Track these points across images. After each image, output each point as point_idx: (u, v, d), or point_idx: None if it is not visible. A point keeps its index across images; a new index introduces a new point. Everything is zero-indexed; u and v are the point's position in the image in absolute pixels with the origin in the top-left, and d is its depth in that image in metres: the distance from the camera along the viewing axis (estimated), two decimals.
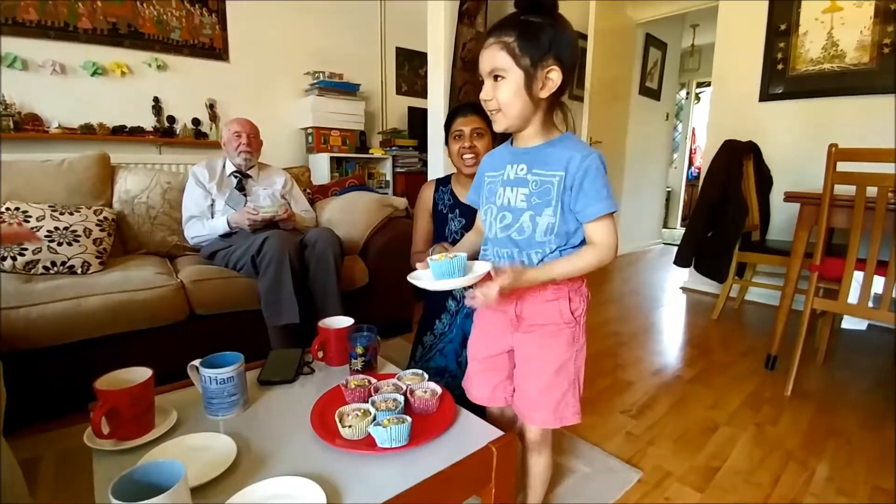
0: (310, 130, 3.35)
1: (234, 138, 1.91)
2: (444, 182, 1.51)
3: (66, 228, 1.70)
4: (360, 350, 1.00)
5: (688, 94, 6.34)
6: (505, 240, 0.86)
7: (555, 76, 0.77)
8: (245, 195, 1.91)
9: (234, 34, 3.11)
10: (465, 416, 0.88)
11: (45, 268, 1.62)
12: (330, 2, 3.52)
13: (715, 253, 2.53)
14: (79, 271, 1.64)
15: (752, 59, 2.84)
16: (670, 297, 3.15)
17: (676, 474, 1.29)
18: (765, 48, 2.78)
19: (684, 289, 3.31)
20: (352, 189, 2.41)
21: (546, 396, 0.89)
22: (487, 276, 0.79)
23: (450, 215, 1.45)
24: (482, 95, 0.81)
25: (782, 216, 2.77)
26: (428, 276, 0.81)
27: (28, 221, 1.66)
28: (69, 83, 2.61)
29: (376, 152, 3.63)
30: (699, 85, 6.24)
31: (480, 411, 0.94)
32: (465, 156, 1.36)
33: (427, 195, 1.52)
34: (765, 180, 2.76)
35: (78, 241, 1.69)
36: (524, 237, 0.83)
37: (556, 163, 0.81)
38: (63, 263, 1.64)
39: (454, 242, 1.35)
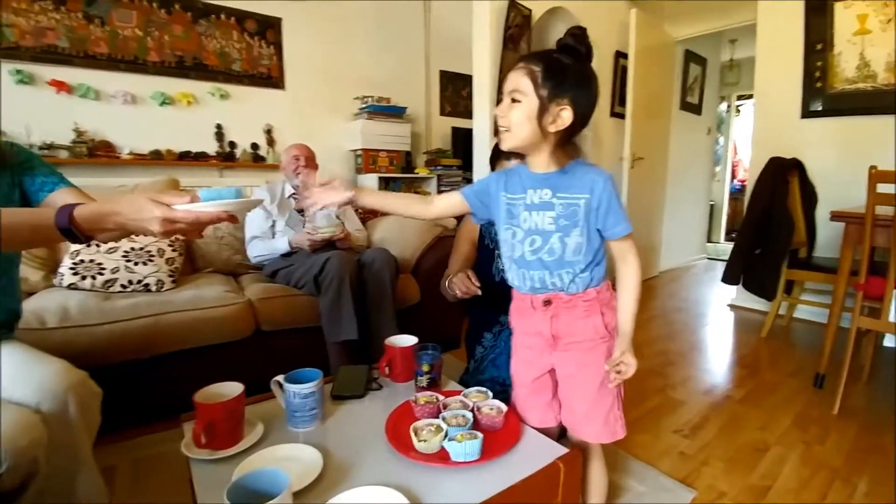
0: (359, 152, 3.50)
1: (293, 162, 2.03)
2: None
3: (141, 249, 1.84)
4: (425, 368, 1.05)
5: (728, 107, 6.22)
6: (535, 262, 0.89)
7: (566, 115, 0.82)
8: (303, 216, 2.02)
9: (289, 64, 3.31)
10: (530, 432, 0.92)
11: (122, 286, 1.75)
12: (377, 30, 3.69)
13: (762, 270, 2.50)
14: (153, 289, 1.77)
15: (793, 76, 2.83)
16: (717, 315, 3.07)
17: (730, 494, 1.29)
18: (804, 66, 2.79)
19: (732, 306, 3.21)
20: None
21: (593, 412, 0.92)
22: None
23: (496, 252, 1.36)
24: (497, 111, 0.87)
25: (828, 233, 2.71)
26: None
27: (107, 243, 1.82)
28: (139, 112, 2.84)
29: (422, 172, 3.74)
30: (739, 98, 6.11)
31: None
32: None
33: (472, 223, 1.41)
34: (810, 197, 2.71)
35: (152, 261, 1.83)
36: (554, 258, 0.87)
37: (581, 186, 0.86)
38: (139, 282, 1.77)
39: (502, 283, 1.17)
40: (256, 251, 1.97)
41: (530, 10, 2.91)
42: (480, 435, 0.82)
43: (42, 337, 1.39)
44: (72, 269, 1.73)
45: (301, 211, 2.05)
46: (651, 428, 1.62)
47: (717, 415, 1.73)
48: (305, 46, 3.36)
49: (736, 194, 6.21)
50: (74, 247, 1.76)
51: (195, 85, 2.97)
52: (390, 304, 1.69)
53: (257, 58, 3.18)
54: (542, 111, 0.81)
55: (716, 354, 2.42)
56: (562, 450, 0.86)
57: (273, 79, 3.25)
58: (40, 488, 0.92)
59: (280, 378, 0.96)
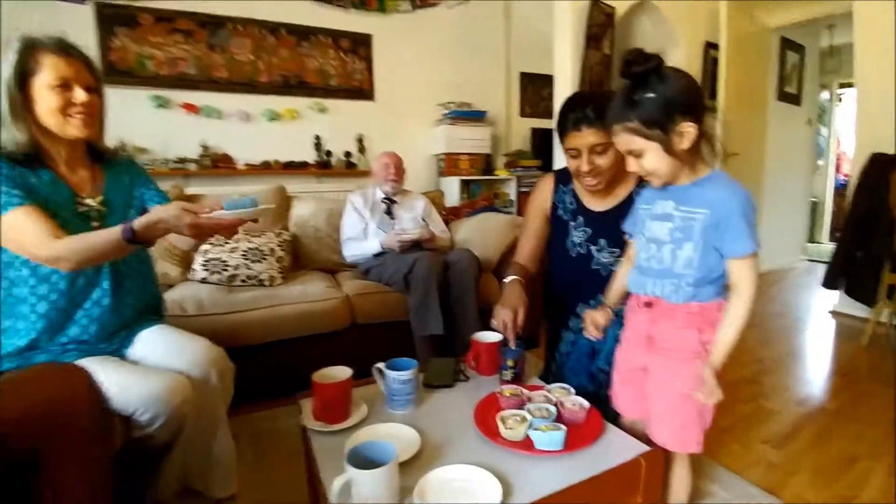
0: (441, 156, 3.66)
1: (384, 169, 2.21)
2: (564, 179, 1.27)
3: (256, 248, 2.11)
4: (510, 363, 1.13)
5: (831, 95, 5.51)
6: (648, 269, 0.92)
7: (689, 129, 0.80)
8: (392, 219, 2.20)
9: (378, 76, 3.57)
10: (612, 429, 0.95)
11: (241, 281, 2.03)
12: (459, 37, 3.82)
13: (864, 274, 2.32)
14: (267, 284, 2.03)
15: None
16: (817, 321, 2.80)
17: None
18: None
19: (834, 313, 2.90)
20: (482, 210, 2.60)
21: (668, 418, 0.93)
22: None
23: (571, 223, 1.25)
24: (630, 169, 0.87)
25: None
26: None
27: (229, 243, 2.11)
28: (252, 128, 3.23)
29: (501, 173, 3.82)
30: (842, 86, 5.39)
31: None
32: (586, 179, 1.15)
33: (545, 192, 1.30)
34: None
35: (265, 259, 2.10)
36: (663, 267, 0.89)
37: (702, 202, 0.84)
38: (255, 277, 2.04)
39: (578, 258, 1.22)
40: (351, 251, 2.17)
41: (613, 9, 2.86)
42: (564, 427, 0.88)
43: (184, 322, 1.63)
44: (203, 265, 2.04)
45: (390, 214, 2.23)
46: (740, 438, 1.56)
47: (809, 425, 1.64)
48: (393, 59, 3.59)
49: (841, 190, 5.44)
50: (205, 246, 2.08)
51: (298, 101, 3.32)
52: (473, 301, 1.79)
53: (351, 72, 3.46)
54: (668, 144, 0.80)
55: (813, 363, 2.26)
56: (644, 447, 0.88)
57: (364, 91, 3.52)
58: (185, 446, 1.12)
59: (381, 365, 1.08)
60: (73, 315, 1.03)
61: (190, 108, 3.07)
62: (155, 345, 1.12)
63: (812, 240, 5.24)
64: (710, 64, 3.45)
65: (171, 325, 1.24)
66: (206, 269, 2.03)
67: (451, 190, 3.57)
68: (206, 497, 1.19)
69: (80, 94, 0.99)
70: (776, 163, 3.94)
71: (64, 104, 0.97)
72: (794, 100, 4.14)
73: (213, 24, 3.07)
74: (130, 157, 1.24)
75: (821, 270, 2.42)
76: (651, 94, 0.79)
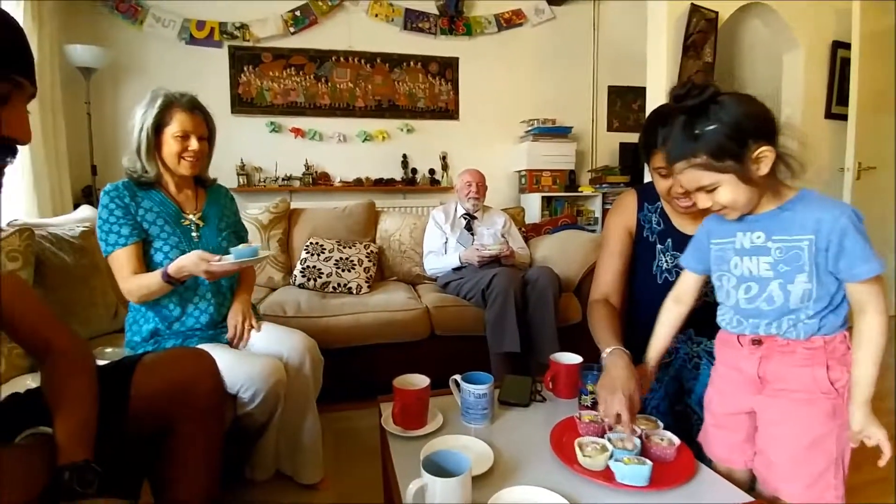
0: (523, 173, 3.65)
1: (466, 186, 2.26)
2: (649, 197, 1.18)
3: (346, 259, 2.27)
4: (590, 387, 1.07)
5: None
6: (752, 310, 0.82)
7: (766, 153, 0.73)
8: (472, 234, 2.23)
9: (463, 96, 3.69)
10: (706, 472, 0.86)
11: (333, 288, 2.19)
12: (544, 53, 3.82)
13: None
14: (354, 292, 2.17)
15: None
16: None
17: None
18: None
19: None
20: (564, 228, 2.53)
21: (797, 471, 0.80)
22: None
23: (659, 246, 1.15)
24: (701, 206, 0.80)
25: None
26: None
27: (323, 253, 2.29)
28: (348, 148, 3.50)
29: (585, 190, 3.71)
30: None
31: None
32: (679, 201, 1.06)
33: (628, 209, 1.19)
34: None
35: (354, 269, 2.24)
36: (775, 307, 0.79)
37: (802, 226, 0.75)
38: (345, 285, 2.19)
39: (665, 284, 1.08)
40: (431, 264, 2.24)
41: (716, 13, 2.66)
42: (650, 462, 0.81)
43: (283, 322, 1.80)
44: (301, 272, 2.24)
45: (470, 229, 2.26)
46: (876, 500, 1.30)
47: None
48: (478, 79, 3.69)
49: None
50: (303, 255, 2.29)
51: (388, 123, 3.55)
52: (552, 321, 1.73)
53: (437, 94, 3.62)
54: (745, 174, 0.74)
55: None
56: (743, 497, 0.79)
57: (449, 111, 3.66)
58: (279, 428, 1.27)
59: (458, 377, 1.09)
60: (186, 310, 1.29)
61: (297, 131, 3.42)
62: (259, 336, 1.32)
63: None
64: (840, 65, 3.04)
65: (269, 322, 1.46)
66: (304, 276, 2.22)
67: (532, 206, 3.52)
68: (295, 482, 1.33)
69: (193, 144, 1.26)
70: None
71: (181, 150, 1.25)
72: None
73: (320, 57, 3.42)
74: (227, 189, 1.52)
75: None
76: (714, 126, 0.73)
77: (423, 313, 1.93)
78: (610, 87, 3.94)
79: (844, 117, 2.87)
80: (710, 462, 0.95)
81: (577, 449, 0.87)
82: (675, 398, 1.14)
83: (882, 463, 0.78)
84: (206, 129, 1.31)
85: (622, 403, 0.87)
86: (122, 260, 1.21)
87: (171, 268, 1.18)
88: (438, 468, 0.76)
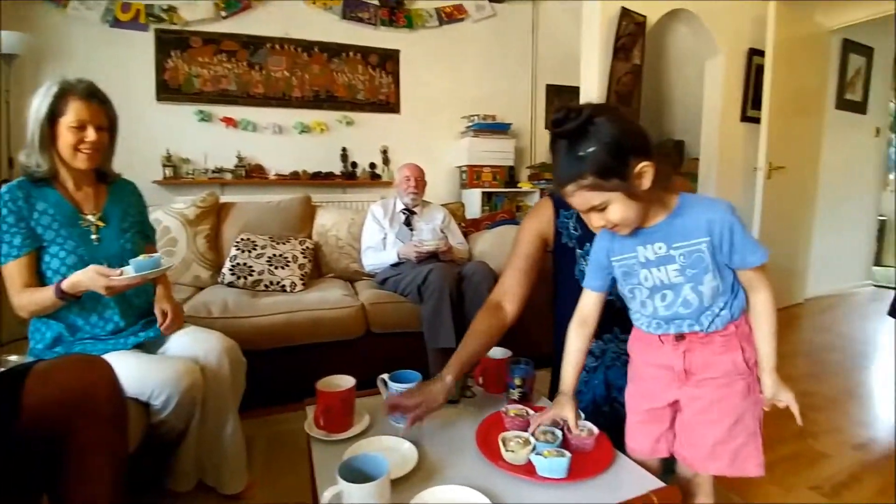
0: (464, 168, 3.66)
1: (405, 181, 2.23)
2: (564, 204, 1.16)
3: (280, 255, 2.17)
4: (517, 381, 1.08)
5: None
6: (671, 315, 0.85)
7: (647, 169, 0.75)
8: (411, 230, 2.20)
9: (404, 90, 3.63)
10: (623, 460, 0.88)
11: (265, 286, 2.08)
12: (486, 50, 3.85)
13: None
14: (288, 290, 2.07)
15: None
16: (884, 355, 2.54)
17: None
18: None
19: None
20: (503, 223, 2.56)
21: (722, 448, 0.85)
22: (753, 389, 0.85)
23: (578, 251, 1.15)
24: (595, 226, 0.82)
25: None
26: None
27: (255, 249, 2.17)
28: (284, 140, 3.35)
29: (525, 186, 3.78)
30: None
31: None
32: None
33: (543, 218, 1.18)
34: None
35: (288, 266, 2.14)
36: (692, 308, 0.82)
37: (696, 230, 0.79)
38: (278, 283, 2.09)
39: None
40: (369, 260, 2.18)
41: (644, 17, 2.78)
42: (569, 454, 0.82)
43: (209, 323, 1.69)
44: (231, 270, 2.11)
45: (409, 225, 2.22)
46: (781, 479, 1.41)
47: (871, 475, 1.44)
48: (419, 72, 3.65)
49: None
50: (233, 251, 2.15)
51: (327, 114, 3.43)
52: None
53: (378, 87, 3.55)
54: (629, 190, 0.76)
55: (878, 403, 2.01)
56: (656, 483, 0.81)
57: (390, 104, 3.60)
58: (198, 436, 1.21)
59: (385, 376, 1.06)
60: (90, 319, 1.20)
61: (229, 121, 3.22)
62: (174, 339, 1.27)
63: (880, 262, 4.83)
64: (755, 71, 3.28)
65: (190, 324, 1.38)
66: (234, 274, 2.09)
67: (473, 202, 3.55)
68: (218, 493, 1.27)
69: (91, 135, 1.16)
70: (834, 177, 3.67)
71: (76, 142, 1.15)
72: (859, 108, 3.86)
73: (253, 44, 3.24)
74: (134, 184, 1.40)
75: (890, 297, 2.16)
76: (594, 147, 0.74)
77: (358, 311, 1.87)
78: (548, 86, 4.04)
79: (758, 120, 3.12)
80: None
81: (501, 444, 0.87)
82: (602, 400, 1.14)
83: (799, 421, 0.83)
84: (105, 119, 1.20)
85: (413, 403, 0.92)
86: (13, 273, 1.13)
87: (66, 284, 1.10)
88: (357, 473, 0.73)
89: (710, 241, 0.79)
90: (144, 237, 1.37)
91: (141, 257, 1.14)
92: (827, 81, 3.52)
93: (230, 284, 2.08)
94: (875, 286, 4.14)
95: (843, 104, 3.70)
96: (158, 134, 3.05)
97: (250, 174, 3.23)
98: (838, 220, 3.79)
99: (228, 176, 3.17)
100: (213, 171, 3.15)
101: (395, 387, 1.00)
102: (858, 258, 4.15)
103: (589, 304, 0.95)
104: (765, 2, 3.00)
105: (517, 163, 3.89)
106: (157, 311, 1.26)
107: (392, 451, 0.90)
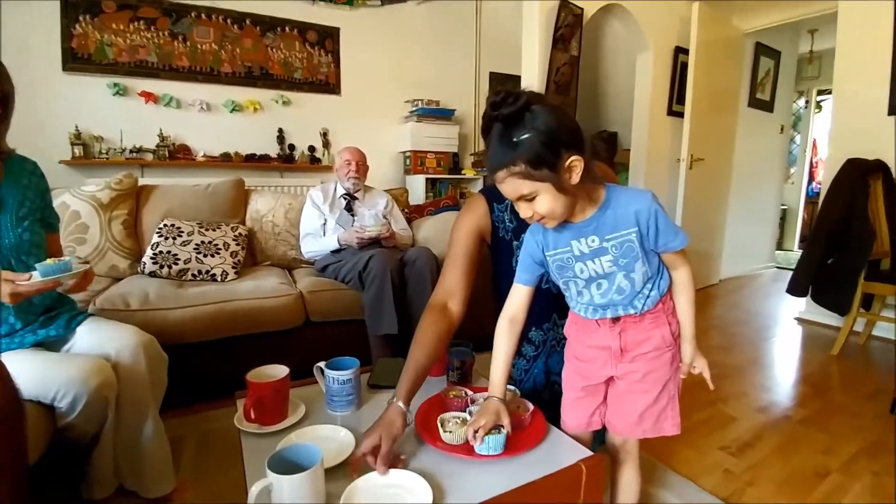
0: (408, 154, 3.61)
1: (345, 165, 2.15)
2: (497, 198, 1.17)
3: (210, 242, 2.03)
4: (457, 364, 1.10)
5: (807, 102, 5.71)
6: (607, 302, 0.88)
7: (577, 163, 0.76)
8: (352, 215, 2.14)
9: (345, 70, 3.50)
10: (556, 434, 0.93)
11: (192, 275, 1.95)
12: (429, 34, 3.80)
13: (836, 282, 2.30)
14: (219, 279, 1.95)
15: (879, 69, 2.54)
16: (783, 328, 2.85)
17: None
18: (892, 56, 2.48)
19: (800, 320, 2.97)
20: (446, 209, 2.56)
21: (648, 412, 0.92)
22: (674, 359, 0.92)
23: (514, 242, 1.16)
24: (523, 215, 0.82)
25: None
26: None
27: (181, 236, 2.02)
28: (213, 118, 3.12)
29: (468, 173, 3.80)
30: (820, 93, 5.58)
31: None
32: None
33: (478, 213, 1.17)
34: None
35: (219, 254, 2.02)
36: (626, 294, 0.87)
37: (625, 221, 0.82)
38: (207, 272, 1.96)
39: None
40: (308, 247, 2.10)
41: (582, 10, 2.87)
42: (505, 430, 0.85)
43: (126, 317, 1.56)
44: (152, 258, 1.94)
45: (350, 210, 2.16)
46: (696, 443, 1.55)
47: (771, 434, 1.62)
48: (361, 53, 3.53)
49: (814, 198, 5.68)
50: (155, 238, 1.99)
51: (261, 93, 3.23)
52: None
53: (317, 66, 3.39)
54: (559, 182, 0.76)
55: (778, 371, 2.26)
56: (586, 452, 0.86)
57: (330, 85, 3.45)
58: (115, 439, 1.11)
59: (322, 364, 1.03)
60: None
61: (148, 96, 2.95)
62: (82, 336, 1.15)
63: (782, 247, 5.40)
64: (680, 68, 3.51)
65: (98, 318, 1.26)
66: (156, 263, 1.94)
67: (417, 188, 3.52)
68: (140, 497, 1.18)
69: None
70: (745, 169, 4.03)
71: None
72: (767, 106, 4.22)
73: (175, 12, 2.97)
74: (35, 164, 1.24)
75: (789, 277, 2.43)
76: (529, 134, 0.74)
77: (296, 299, 1.80)
78: (492, 74, 4.07)
79: (682, 115, 3.34)
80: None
81: (440, 425, 0.88)
82: (542, 386, 1.16)
83: (711, 386, 0.92)
84: None
85: (371, 440, 0.82)
86: None
87: None
88: (289, 464, 0.71)
89: (638, 231, 0.82)
90: (47, 225, 1.22)
91: (49, 261, 1.01)
92: (741, 81, 3.83)
93: (152, 274, 1.93)
94: (777, 268, 4.63)
95: (754, 103, 4.04)
96: (65, 108, 2.74)
97: (175, 155, 2.98)
98: (747, 209, 4.18)
99: (149, 156, 2.91)
100: (132, 151, 2.87)
101: (332, 374, 0.98)
102: (764, 243, 4.61)
103: (518, 300, 0.95)
104: (689, 2, 3.20)
105: (461, 150, 3.90)
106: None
107: (328, 439, 0.88)
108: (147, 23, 2.91)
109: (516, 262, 1.12)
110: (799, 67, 4.67)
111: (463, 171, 3.81)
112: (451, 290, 1.11)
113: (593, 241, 0.85)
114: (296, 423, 0.95)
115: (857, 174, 2.28)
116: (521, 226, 1.16)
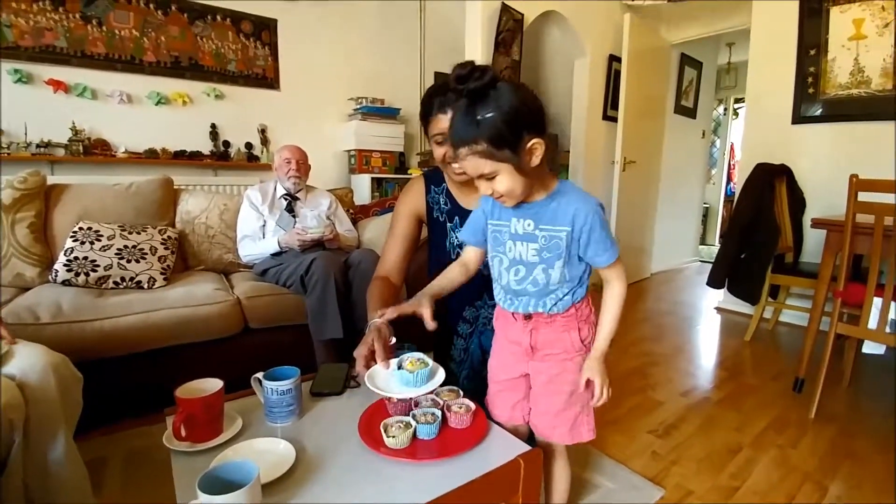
0: (352, 153, 3.54)
1: (285, 164, 2.07)
2: (435, 180, 1.24)
3: (134, 247, 1.88)
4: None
5: (725, 110, 6.25)
6: (520, 291, 0.91)
7: (538, 146, 0.77)
8: (294, 216, 2.07)
9: (284, 65, 3.35)
10: (497, 431, 0.95)
11: (115, 283, 1.79)
12: (372, 31, 3.73)
13: (747, 274, 2.54)
14: (145, 286, 1.81)
15: (785, 82, 2.84)
16: (705, 318, 3.11)
17: (697, 493, 1.32)
18: (796, 71, 2.78)
19: (719, 309, 3.25)
20: (392, 210, 2.54)
21: (561, 417, 0.96)
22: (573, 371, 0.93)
23: (449, 224, 1.21)
24: (483, 193, 0.83)
25: (816, 239, 2.73)
26: (384, 378, 0.93)
27: (100, 240, 1.85)
28: (135, 111, 2.88)
29: (414, 172, 3.78)
30: (737, 101, 6.15)
31: None
32: (454, 167, 1.10)
33: (416, 195, 1.24)
34: (798, 203, 2.74)
35: (145, 259, 1.87)
36: (538, 288, 0.89)
37: (563, 218, 0.84)
38: (132, 279, 1.81)
39: (458, 257, 1.09)
40: (247, 250, 2.01)
41: (522, 15, 2.95)
42: (431, 363, 0.92)
43: (35, 332, 1.43)
44: (66, 265, 1.77)
45: (292, 211, 2.09)
46: (627, 428, 1.66)
47: (693, 416, 1.76)
48: (301, 48, 3.40)
49: (731, 197, 6.24)
50: (70, 243, 1.81)
51: (190, 85, 3.02)
52: None
53: (252, 59, 3.22)
54: (519, 163, 0.77)
55: (699, 357, 2.46)
56: (523, 447, 0.89)
57: (268, 79, 3.30)
58: (21, 464, 1.00)
59: (259, 375, 0.99)
60: None
61: (58, 85, 2.67)
62: None
63: (704, 242, 5.87)
64: (614, 75, 3.70)
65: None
66: (70, 270, 1.77)
67: (362, 188, 3.47)
68: None
69: None
70: (672, 171, 4.35)
71: None
72: (691, 113, 4.56)
73: None
74: None
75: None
76: (493, 113, 0.74)
77: (232, 306, 1.71)
78: (437, 73, 4.07)
79: (616, 119, 3.53)
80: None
81: (382, 431, 0.87)
82: (481, 364, 1.20)
83: (596, 404, 0.91)
84: None
85: (364, 347, 0.99)
86: None
87: None
88: (222, 483, 0.67)
89: (570, 232, 0.84)
90: None
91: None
92: (668, 89, 4.12)
93: (66, 283, 1.75)
94: (700, 262, 5.04)
95: (679, 109, 4.37)
96: None
97: (91, 150, 2.72)
98: (674, 208, 4.51)
99: (61, 152, 2.63)
100: (38, 146, 2.59)
101: (270, 385, 0.95)
102: (689, 239, 5.00)
103: (469, 254, 1.00)
104: (623, 13, 3.39)
105: (407, 149, 3.88)
106: None
107: (267, 453, 0.85)
108: (54, 3, 2.63)
109: (449, 243, 1.22)
110: (718, 77, 5.10)
111: (409, 171, 3.79)
112: (391, 269, 1.24)
113: (529, 224, 0.86)
114: (232, 437, 0.91)
115: (765, 177, 2.53)
116: (455, 209, 1.22)
